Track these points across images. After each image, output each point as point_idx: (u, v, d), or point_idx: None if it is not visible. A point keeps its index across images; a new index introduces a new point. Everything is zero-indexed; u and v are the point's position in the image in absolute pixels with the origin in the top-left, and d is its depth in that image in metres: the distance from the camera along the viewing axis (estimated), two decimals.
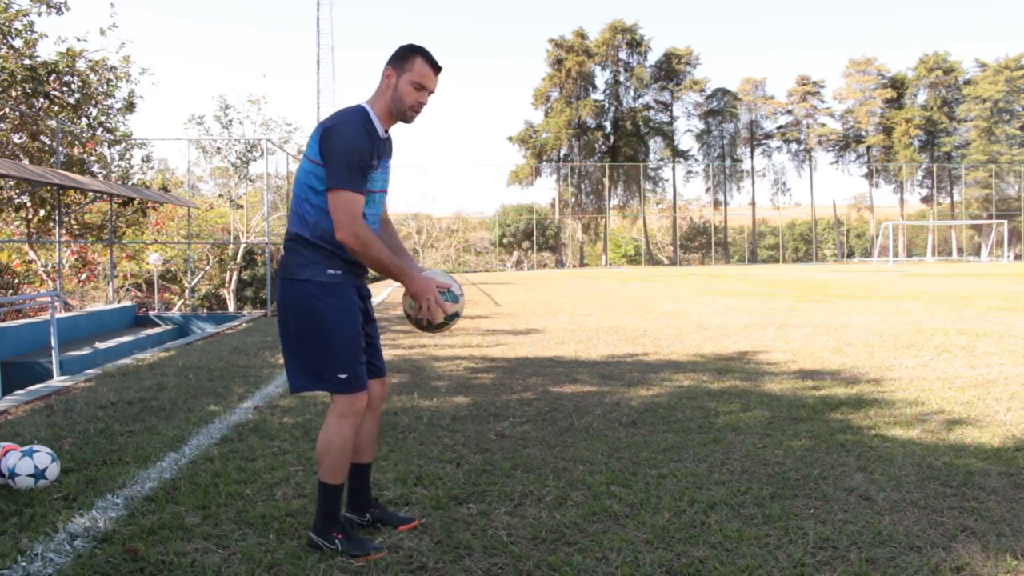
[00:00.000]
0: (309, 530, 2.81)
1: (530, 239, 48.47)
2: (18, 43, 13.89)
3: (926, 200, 56.70)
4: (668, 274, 31.71)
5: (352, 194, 2.57)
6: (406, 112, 2.73)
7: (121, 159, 16.57)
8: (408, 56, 2.71)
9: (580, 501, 3.22)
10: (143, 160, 17.29)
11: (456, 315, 2.84)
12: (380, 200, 2.82)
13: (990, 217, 51.05)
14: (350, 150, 2.57)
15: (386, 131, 2.77)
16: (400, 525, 2.94)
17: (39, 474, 3.40)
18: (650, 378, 6.15)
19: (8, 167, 10.61)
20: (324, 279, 2.66)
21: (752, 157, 56.76)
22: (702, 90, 55.07)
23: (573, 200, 52.34)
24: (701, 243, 55.86)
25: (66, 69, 14.35)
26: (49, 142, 14.51)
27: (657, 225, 57.56)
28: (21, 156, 14.20)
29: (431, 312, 2.74)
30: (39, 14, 14.12)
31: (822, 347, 7.71)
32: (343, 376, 2.66)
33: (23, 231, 14.79)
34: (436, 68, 2.74)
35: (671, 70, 54.23)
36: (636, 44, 53.28)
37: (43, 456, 3.45)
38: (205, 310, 18.33)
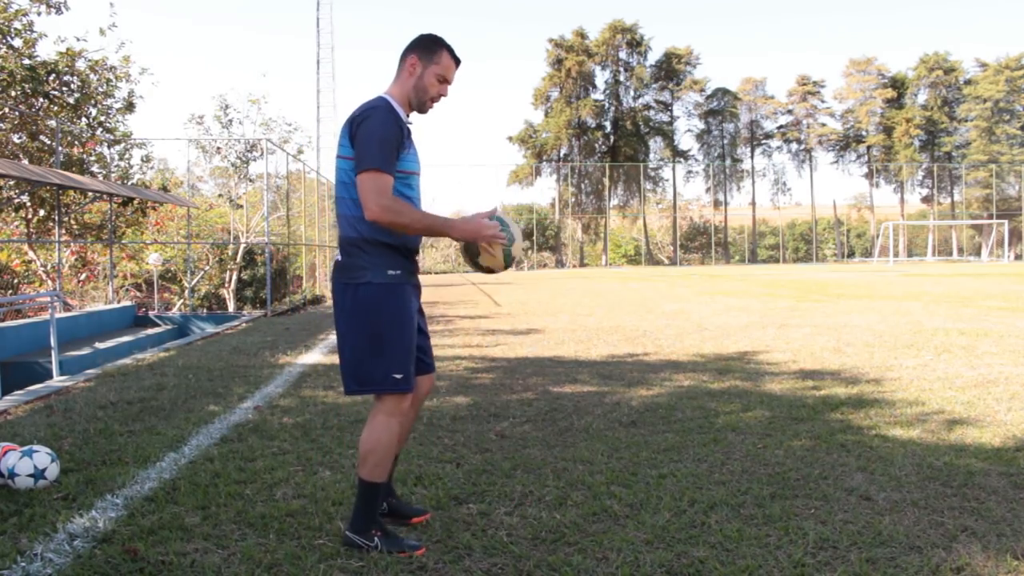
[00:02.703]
0: (346, 529, 2.76)
1: (530, 239, 48.45)
2: (18, 43, 13.86)
3: (926, 200, 56.72)
4: (668, 274, 31.70)
5: (382, 173, 2.55)
6: (426, 103, 2.77)
7: (121, 159, 16.55)
8: (434, 48, 2.74)
9: (580, 501, 3.22)
10: (143, 160, 17.26)
11: (508, 254, 2.78)
12: (418, 185, 2.80)
13: (990, 217, 51.06)
14: (381, 133, 2.57)
15: (407, 117, 2.78)
16: (414, 517, 2.97)
17: (39, 474, 3.40)
18: (650, 378, 6.14)
19: (8, 167, 10.61)
20: (385, 280, 2.64)
21: (752, 157, 56.81)
22: (702, 90, 55.11)
23: (573, 200, 52.34)
24: (701, 243, 55.86)
25: (66, 69, 14.33)
26: (49, 142, 14.50)
27: (657, 225, 57.56)
28: (21, 156, 14.19)
29: (494, 242, 2.70)
30: (39, 14, 14.09)
31: (822, 347, 7.70)
32: (398, 376, 2.65)
33: (23, 231, 14.78)
34: (458, 62, 2.79)
35: (671, 70, 54.26)
36: (636, 44, 53.31)
37: (43, 456, 3.44)
38: (205, 310, 18.29)
